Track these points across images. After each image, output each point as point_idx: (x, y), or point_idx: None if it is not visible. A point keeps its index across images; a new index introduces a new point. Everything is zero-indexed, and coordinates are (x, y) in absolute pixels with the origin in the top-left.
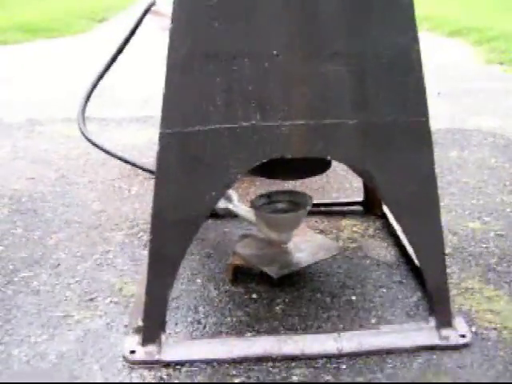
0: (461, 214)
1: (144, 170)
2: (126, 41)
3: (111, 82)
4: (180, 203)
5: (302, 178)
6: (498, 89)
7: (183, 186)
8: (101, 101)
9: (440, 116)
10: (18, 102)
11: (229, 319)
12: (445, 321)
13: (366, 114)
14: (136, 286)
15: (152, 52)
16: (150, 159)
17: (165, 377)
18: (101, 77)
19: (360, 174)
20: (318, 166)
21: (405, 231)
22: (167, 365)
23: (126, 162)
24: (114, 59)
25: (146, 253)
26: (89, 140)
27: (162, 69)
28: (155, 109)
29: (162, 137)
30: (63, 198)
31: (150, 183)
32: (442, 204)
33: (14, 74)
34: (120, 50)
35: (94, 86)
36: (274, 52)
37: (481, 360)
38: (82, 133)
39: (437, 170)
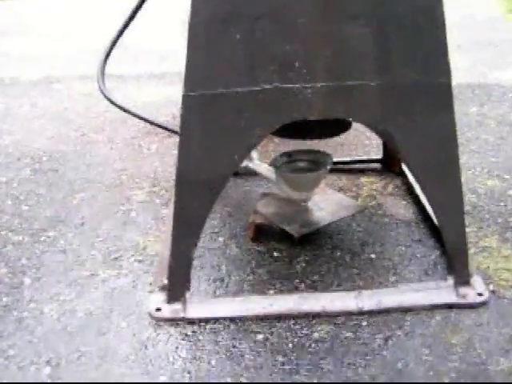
0: (480, 171)
1: (163, 127)
2: None
3: (128, 37)
4: (204, 165)
5: (322, 138)
6: None
7: (207, 147)
8: (118, 57)
9: (460, 70)
10: (33, 58)
11: (251, 277)
12: (463, 279)
13: (388, 75)
14: (159, 244)
15: (168, 7)
16: (168, 117)
17: (190, 333)
18: (120, 34)
19: (381, 134)
20: (339, 126)
21: (424, 191)
22: (192, 322)
23: (145, 120)
24: (132, 16)
25: (168, 211)
26: (109, 100)
27: (178, 24)
28: (172, 65)
29: (185, 99)
30: (84, 157)
31: (169, 141)
32: (460, 161)
33: (27, 27)
34: (138, 9)
35: (113, 43)
36: (296, 14)
37: (497, 318)
38: (103, 93)
39: (456, 127)
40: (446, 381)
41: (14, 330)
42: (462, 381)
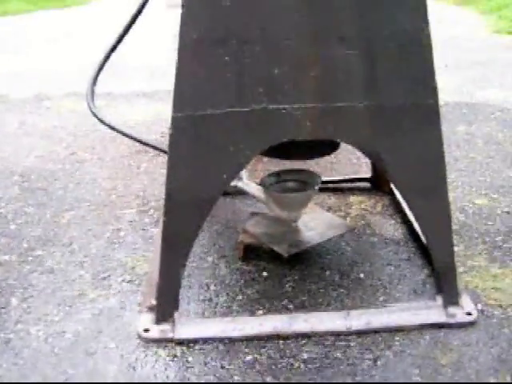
0: (468, 190)
1: (152, 147)
2: (134, 18)
3: (118, 55)
4: (193, 185)
5: (310, 158)
6: (507, 60)
7: (196, 167)
8: (107, 75)
9: (447, 89)
10: (23, 76)
11: (240, 297)
12: (452, 299)
13: (376, 96)
14: (148, 264)
15: (158, 28)
16: (158, 135)
17: (178, 354)
18: (110, 53)
19: (369, 155)
20: (328, 147)
21: (413, 211)
22: (181, 342)
23: (134, 139)
24: (121, 37)
25: (157, 230)
26: (99, 119)
27: (168, 44)
28: (163, 82)
29: (174, 120)
30: (73, 175)
31: (158, 160)
32: (448, 180)
33: (18, 45)
34: (128, 28)
35: (104, 62)
36: (285, 36)
37: (486, 338)
38: (92, 111)
39: (444, 146)
40: None
41: (0, 352)
42: None
